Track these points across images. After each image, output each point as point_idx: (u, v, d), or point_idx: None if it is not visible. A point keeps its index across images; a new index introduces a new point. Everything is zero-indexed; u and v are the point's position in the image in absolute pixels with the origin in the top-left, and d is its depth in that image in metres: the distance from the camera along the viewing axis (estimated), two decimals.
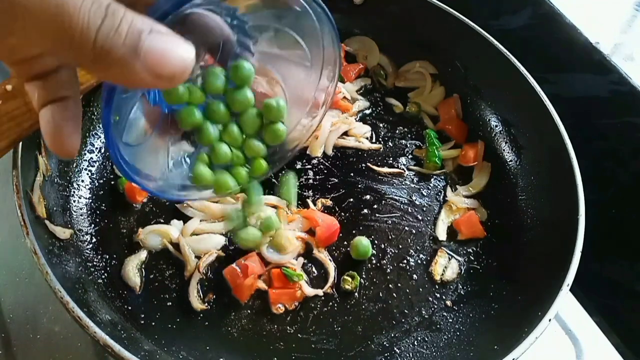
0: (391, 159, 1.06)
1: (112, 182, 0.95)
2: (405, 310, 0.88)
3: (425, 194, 1.02)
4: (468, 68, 1.12)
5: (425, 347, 0.85)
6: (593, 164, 1.04)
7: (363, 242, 0.91)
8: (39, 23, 0.36)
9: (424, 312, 0.88)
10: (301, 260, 0.89)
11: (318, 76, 0.61)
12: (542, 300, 0.79)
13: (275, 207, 0.93)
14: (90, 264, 0.84)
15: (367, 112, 1.13)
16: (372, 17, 1.19)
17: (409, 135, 1.10)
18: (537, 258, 0.91)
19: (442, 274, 0.92)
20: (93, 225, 0.89)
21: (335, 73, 0.62)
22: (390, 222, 0.97)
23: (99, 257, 0.86)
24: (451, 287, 0.92)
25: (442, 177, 1.05)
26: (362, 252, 0.91)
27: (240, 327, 0.83)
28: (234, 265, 0.85)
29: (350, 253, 0.92)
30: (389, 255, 0.93)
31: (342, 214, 0.97)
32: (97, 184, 0.94)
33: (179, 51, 0.39)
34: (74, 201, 0.90)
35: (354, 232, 0.95)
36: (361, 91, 1.16)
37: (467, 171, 1.06)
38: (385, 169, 1.04)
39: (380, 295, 0.89)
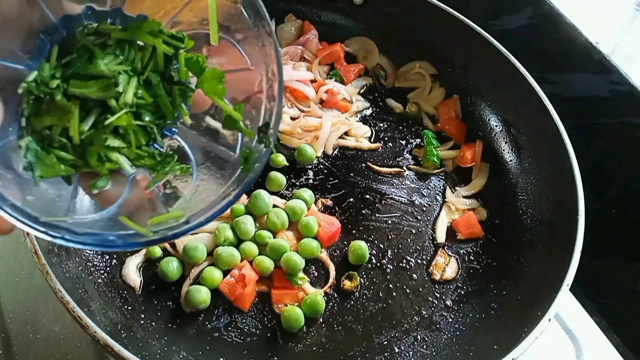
0: (391, 159, 1.06)
1: None
2: (405, 310, 0.88)
3: (425, 194, 1.02)
4: (468, 68, 1.12)
5: (425, 346, 0.85)
6: (593, 164, 1.04)
7: (361, 247, 0.91)
8: None
9: (424, 311, 0.88)
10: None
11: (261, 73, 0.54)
12: (542, 300, 0.79)
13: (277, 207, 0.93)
14: (90, 264, 0.84)
15: (367, 112, 1.13)
16: (372, 17, 1.19)
17: (409, 135, 1.10)
18: (536, 258, 0.91)
19: (442, 274, 0.92)
20: None
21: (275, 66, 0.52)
22: (390, 222, 0.97)
23: (99, 257, 0.86)
24: (451, 287, 0.92)
25: (442, 177, 1.05)
26: (359, 257, 0.91)
27: (241, 327, 0.83)
28: (228, 277, 0.84)
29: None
30: (388, 255, 0.93)
31: (342, 214, 0.97)
32: None
33: None
34: None
35: (354, 232, 0.95)
36: (361, 91, 1.16)
37: (467, 171, 1.06)
38: (385, 169, 1.04)
39: (380, 295, 0.89)
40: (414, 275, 0.92)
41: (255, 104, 0.51)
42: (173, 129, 0.51)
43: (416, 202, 1.01)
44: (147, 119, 0.47)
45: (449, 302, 0.90)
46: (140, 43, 0.46)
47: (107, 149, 0.45)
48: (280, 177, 0.97)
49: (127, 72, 0.45)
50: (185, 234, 0.49)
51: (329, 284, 0.88)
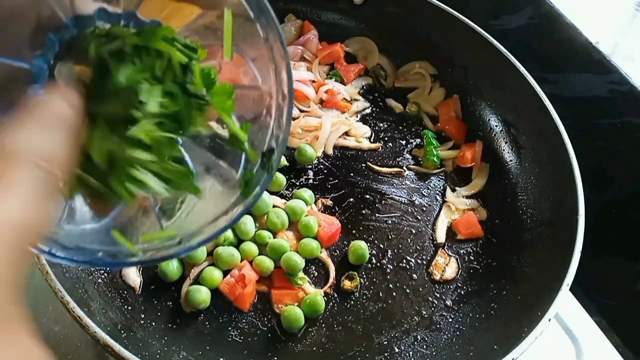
0: (391, 159, 1.06)
1: None
2: (405, 310, 0.88)
3: (425, 194, 1.02)
4: (468, 68, 1.12)
5: (425, 346, 0.85)
6: (593, 164, 1.04)
7: (361, 247, 0.91)
8: None
9: (424, 311, 0.88)
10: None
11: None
12: (542, 300, 0.79)
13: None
14: None
15: (367, 112, 1.13)
16: (372, 17, 1.19)
17: (409, 135, 1.10)
18: (536, 258, 0.91)
19: (442, 274, 0.92)
20: None
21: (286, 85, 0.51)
22: (390, 222, 0.97)
23: None
24: (451, 287, 0.92)
25: (442, 177, 1.05)
26: (359, 257, 0.91)
27: (241, 327, 0.83)
28: (228, 277, 0.84)
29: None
30: (388, 255, 0.93)
31: (342, 214, 0.97)
32: None
33: None
34: None
35: (354, 232, 0.95)
36: (361, 91, 1.16)
37: (467, 171, 1.06)
38: (385, 169, 1.04)
39: (380, 295, 0.89)
40: (414, 275, 0.92)
41: (262, 126, 0.50)
42: (178, 139, 0.49)
43: (416, 202, 1.01)
44: (170, 129, 0.44)
45: (449, 302, 0.90)
46: (157, 49, 0.44)
47: (132, 167, 0.43)
48: (280, 177, 0.97)
49: (148, 79, 0.43)
50: (175, 256, 0.47)
51: (329, 284, 0.88)
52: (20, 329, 0.31)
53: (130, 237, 0.47)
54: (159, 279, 0.85)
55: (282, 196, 0.96)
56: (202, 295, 0.82)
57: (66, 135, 0.37)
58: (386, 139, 1.09)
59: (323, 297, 0.86)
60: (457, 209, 1.00)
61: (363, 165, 1.04)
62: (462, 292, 0.91)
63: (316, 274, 0.90)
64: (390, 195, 1.01)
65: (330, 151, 1.05)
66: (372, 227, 0.96)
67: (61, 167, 0.36)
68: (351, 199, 0.99)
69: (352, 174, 1.03)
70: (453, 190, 1.03)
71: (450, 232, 0.98)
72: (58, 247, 0.43)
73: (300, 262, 0.86)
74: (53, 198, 0.35)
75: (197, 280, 0.85)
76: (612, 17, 1.26)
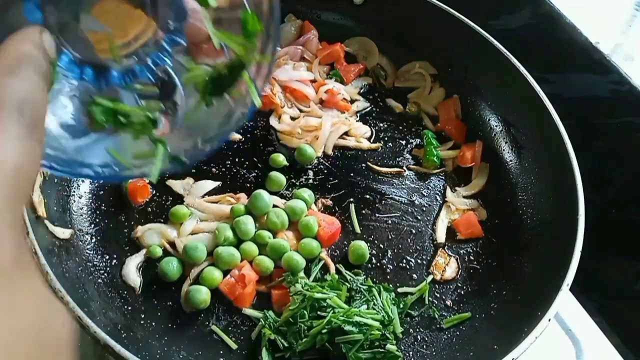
0: (391, 159, 1.06)
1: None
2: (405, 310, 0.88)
3: (425, 194, 1.02)
4: (468, 68, 1.12)
5: (425, 346, 0.85)
6: (593, 164, 1.04)
7: (361, 247, 0.91)
8: None
9: (424, 312, 0.88)
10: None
11: None
12: (542, 300, 0.79)
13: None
14: (90, 264, 0.84)
15: (367, 112, 1.13)
16: (372, 17, 1.19)
17: (409, 135, 1.10)
18: (536, 258, 0.91)
19: (442, 274, 0.92)
20: (93, 225, 0.89)
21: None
22: (390, 222, 0.97)
23: (99, 257, 0.86)
24: (451, 287, 0.92)
25: (442, 177, 1.05)
26: (359, 257, 0.91)
27: (241, 327, 0.83)
28: (228, 277, 0.84)
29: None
30: (388, 255, 0.93)
31: (342, 214, 0.97)
32: (97, 184, 0.94)
33: None
34: (74, 201, 0.90)
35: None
36: (361, 91, 1.16)
37: (467, 171, 1.06)
38: (385, 169, 1.04)
39: None
40: (414, 275, 0.92)
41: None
42: (166, 59, 0.50)
43: (416, 202, 1.01)
44: None
45: (449, 302, 0.90)
46: None
47: None
48: (280, 177, 0.97)
49: None
50: (170, 170, 0.49)
51: None
52: (29, 272, 0.34)
53: (123, 155, 0.49)
54: (159, 279, 0.85)
55: (282, 196, 0.96)
56: (202, 295, 0.82)
57: (38, 77, 0.39)
58: (386, 139, 1.09)
59: None
60: (457, 209, 1.00)
61: (363, 165, 1.04)
62: (462, 292, 0.91)
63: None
64: (390, 195, 1.01)
65: (330, 151, 1.05)
66: (372, 227, 0.96)
67: (39, 108, 0.38)
68: (351, 199, 0.99)
69: (352, 174, 1.03)
70: (453, 190, 1.03)
71: (450, 232, 0.98)
72: (57, 161, 0.45)
73: (302, 262, 0.86)
74: (36, 140, 0.37)
75: (197, 280, 0.85)
76: (612, 17, 1.26)
